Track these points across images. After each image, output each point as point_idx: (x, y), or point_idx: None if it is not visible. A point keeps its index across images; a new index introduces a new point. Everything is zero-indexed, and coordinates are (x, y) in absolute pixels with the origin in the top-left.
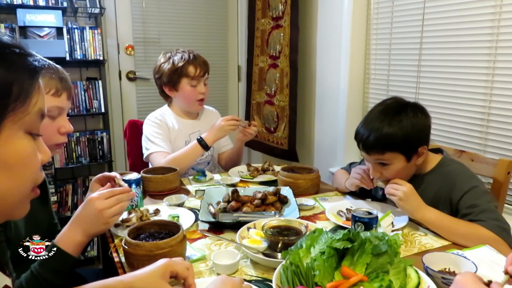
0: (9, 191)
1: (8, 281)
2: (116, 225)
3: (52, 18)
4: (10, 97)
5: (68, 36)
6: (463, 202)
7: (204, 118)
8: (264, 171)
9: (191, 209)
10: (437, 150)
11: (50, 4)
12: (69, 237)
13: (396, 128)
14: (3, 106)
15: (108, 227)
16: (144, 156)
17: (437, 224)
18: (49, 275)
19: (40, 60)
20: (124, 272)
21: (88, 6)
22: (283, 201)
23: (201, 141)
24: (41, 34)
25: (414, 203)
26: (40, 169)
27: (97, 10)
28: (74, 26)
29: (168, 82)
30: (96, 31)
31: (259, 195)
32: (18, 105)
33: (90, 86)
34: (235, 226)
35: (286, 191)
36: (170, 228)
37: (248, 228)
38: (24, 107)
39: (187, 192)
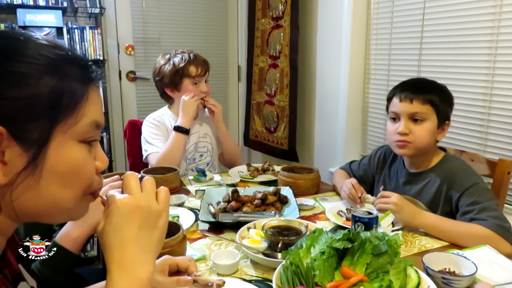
0: (62, 199)
1: (34, 283)
2: None
3: (52, 18)
4: (59, 108)
5: (68, 36)
6: (464, 199)
7: (203, 119)
8: (264, 171)
9: (191, 209)
10: (440, 149)
11: (50, 4)
12: (66, 234)
13: (439, 89)
14: (53, 116)
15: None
16: (143, 157)
17: (436, 228)
18: (48, 272)
19: (95, 71)
20: None
21: (88, 6)
22: (283, 201)
23: (178, 128)
24: (41, 34)
25: (408, 211)
26: (99, 175)
27: (97, 10)
28: (74, 26)
29: (170, 83)
30: (96, 31)
31: (259, 195)
32: (67, 116)
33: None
34: (235, 226)
35: (286, 191)
36: (170, 228)
37: (248, 228)
38: (73, 117)
39: (187, 192)
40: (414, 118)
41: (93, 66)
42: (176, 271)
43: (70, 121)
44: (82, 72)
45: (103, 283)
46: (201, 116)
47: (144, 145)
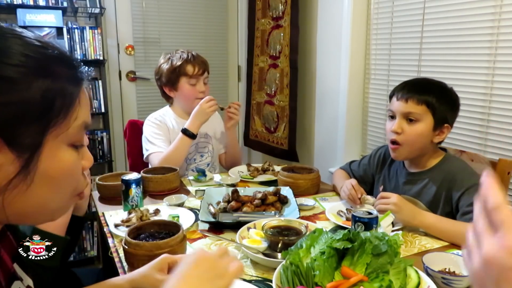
0: (50, 201)
1: (30, 281)
2: (116, 225)
3: (52, 18)
4: (52, 112)
5: (68, 36)
6: (464, 200)
7: None
8: (264, 171)
9: (191, 209)
10: (441, 149)
11: (50, 4)
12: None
13: (440, 91)
14: (46, 121)
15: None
16: (144, 157)
17: (436, 228)
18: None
19: (84, 71)
20: (124, 272)
21: (88, 6)
22: (283, 201)
23: (186, 131)
24: (41, 34)
25: (408, 211)
26: (83, 175)
27: (97, 10)
28: (74, 26)
29: (167, 82)
30: (96, 31)
31: (259, 195)
32: (60, 120)
33: (90, 86)
34: (235, 226)
35: (286, 191)
36: (170, 228)
37: (248, 228)
38: (66, 121)
39: (187, 192)
40: (408, 118)
41: (82, 65)
42: None
43: (63, 125)
44: (73, 73)
45: (102, 283)
46: None
47: (145, 145)
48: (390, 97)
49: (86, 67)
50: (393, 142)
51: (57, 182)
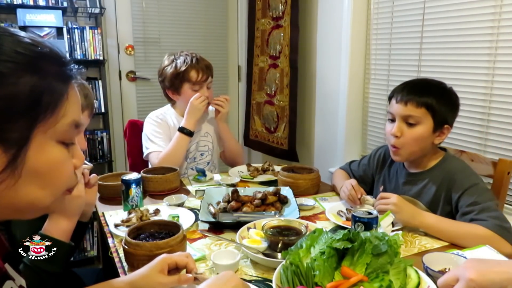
0: (40, 198)
1: (23, 281)
2: (116, 225)
3: (52, 18)
4: (40, 107)
5: (68, 36)
6: (464, 200)
7: (204, 117)
8: (264, 171)
9: (191, 209)
10: (441, 149)
11: (50, 4)
12: (55, 225)
13: (439, 92)
14: (33, 116)
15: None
16: (144, 155)
17: (436, 229)
18: (43, 264)
19: (73, 68)
20: (124, 272)
21: (88, 6)
22: (283, 201)
23: (183, 130)
24: (41, 34)
25: (408, 211)
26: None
27: (97, 10)
28: (74, 26)
29: (170, 86)
30: (96, 31)
31: (259, 195)
32: (48, 115)
33: (90, 86)
34: (235, 226)
35: (286, 191)
36: (170, 228)
37: (248, 228)
38: (53, 117)
39: (187, 192)
40: (408, 122)
41: (71, 63)
42: (174, 268)
43: (50, 121)
44: (62, 70)
45: (102, 284)
46: (202, 115)
47: (145, 143)
48: (389, 98)
49: (76, 65)
50: (394, 146)
51: (46, 178)
